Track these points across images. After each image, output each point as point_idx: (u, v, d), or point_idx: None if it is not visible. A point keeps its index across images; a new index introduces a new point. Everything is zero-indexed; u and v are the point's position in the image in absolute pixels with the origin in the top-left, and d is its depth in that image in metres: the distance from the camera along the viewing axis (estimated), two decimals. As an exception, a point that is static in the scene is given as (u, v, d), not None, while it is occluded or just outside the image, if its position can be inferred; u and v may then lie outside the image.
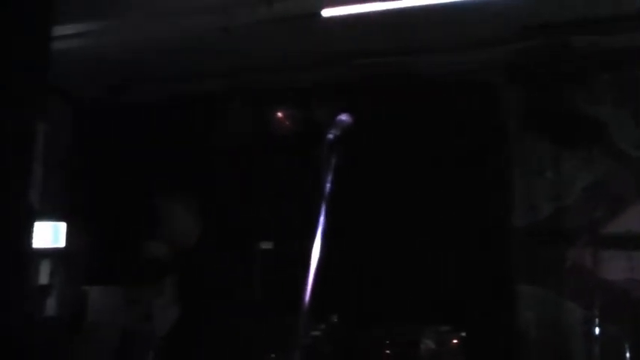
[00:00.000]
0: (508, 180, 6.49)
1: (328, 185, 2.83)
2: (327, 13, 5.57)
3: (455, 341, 5.34)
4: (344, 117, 2.99)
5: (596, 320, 5.65)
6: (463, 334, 5.41)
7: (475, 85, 6.58)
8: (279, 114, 7.07)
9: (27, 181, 3.71)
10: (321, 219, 2.78)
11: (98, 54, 6.47)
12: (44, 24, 3.84)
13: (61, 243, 7.21)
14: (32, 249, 4.31)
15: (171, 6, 5.45)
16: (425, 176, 6.50)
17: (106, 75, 7.44)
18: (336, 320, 5.56)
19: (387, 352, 5.49)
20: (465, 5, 5.37)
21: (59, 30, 4.25)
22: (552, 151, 6.38)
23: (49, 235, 7.04)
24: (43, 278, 7.02)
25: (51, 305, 7.11)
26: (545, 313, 6.20)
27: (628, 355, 5.56)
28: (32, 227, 3.87)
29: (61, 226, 7.23)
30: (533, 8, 5.58)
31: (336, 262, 3.38)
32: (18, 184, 3.63)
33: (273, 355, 5.36)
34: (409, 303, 6.18)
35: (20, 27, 3.63)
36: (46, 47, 3.87)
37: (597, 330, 5.63)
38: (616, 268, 5.93)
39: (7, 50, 3.56)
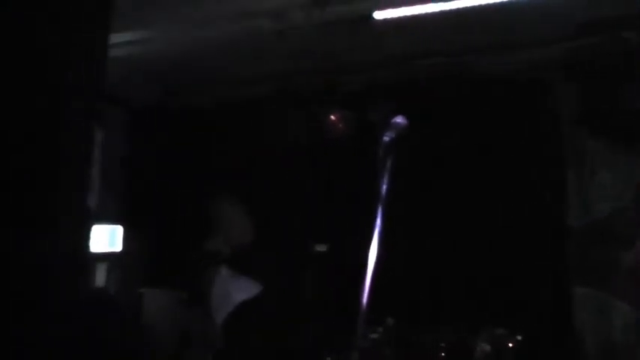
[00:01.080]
0: (563, 180, 6.42)
1: (384, 187, 2.84)
2: (379, 15, 5.57)
3: (511, 345, 5.30)
4: (399, 119, 3.00)
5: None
6: (519, 337, 5.36)
7: (530, 84, 6.53)
8: (333, 117, 7.07)
9: (85, 186, 3.76)
10: (378, 221, 2.79)
11: (152, 59, 6.55)
12: (102, 29, 3.89)
13: (118, 246, 7.31)
14: (90, 252, 4.38)
15: (223, 10, 5.50)
16: (480, 176, 6.47)
17: (160, 80, 7.54)
18: (392, 323, 5.55)
19: (443, 354, 5.47)
20: (520, 3, 5.34)
21: (114, 37, 4.30)
22: (608, 149, 6.30)
23: (105, 238, 7.14)
24: (100, 281, 7.12)
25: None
26: (602, 315, 6.12)
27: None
28: (90, 231, 3.92)
29: (118, 230, 7.32)
30: (588, 4, 5.52)
31: (393, 264, 3.38)
32: (76, 188, 3.68)
33: (328, 358, 5.36)
34: (465, 305, 6.15)
35: (78, 33, 3.69)
36: (103, 53, 3.92)
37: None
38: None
39: (65, 57, 3.61)
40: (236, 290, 5.53)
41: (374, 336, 5.31)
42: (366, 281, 2.66)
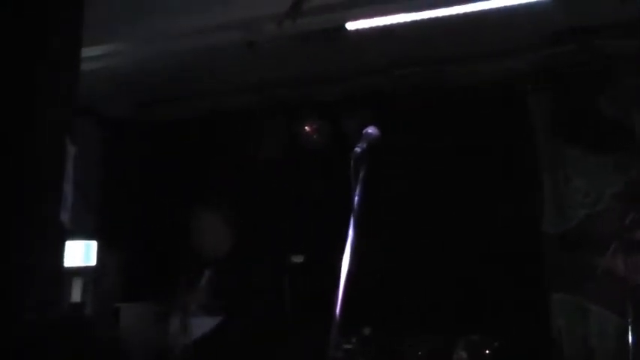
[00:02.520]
0: (538, 186, 6.46)
1: (357, 198, 2.84)
2: (351, 26, 5.57)
3: (487, 351, 5.31)
4: (371, 130, 3.00)
5: (630, 328, 5.59)
6: (496, 343, 5.37)
7: (504, 92, 6.57)
8: (307, 127, 7.08)
9: (58, 201, 3.74)
10: (350, 231, 2.79)
11: (127, 72, 6.53)
12: (74, 43, 3.88)
13: (93, 261, 7.27)
14: (64, 268, 4.36)
15: (196, 22, 5.49)
16: (454, 185, 6.49)
17: (134, 94, 7.52)
18: (368, 333, 5.54)
19: (419, 363, 5.48)
20: (493, 14, 5.36)
21: (86, 51, 4.29)
22: (582, 156, 6.34)
23: (80, 253, 7.10)
24: (76, 296, 7.06)
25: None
26: (578, 320, 6.15)
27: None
28: (64, 246, 3.91)
29: (92, 245, 7.28)
30: (561, 14, 5.56)
31: (367, 273, 3.38)
32: (50, 204, 3.67)
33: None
34: (442, 313, 6.16)
35: (49, 47, 3.68)
36: (76, 67, 3.92)
37: (631, 338, 5.57)
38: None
39: (37, 71, 3.60)
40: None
41: (347, 346, 5.30)
42: (339, 291, 2.66)
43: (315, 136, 7.06)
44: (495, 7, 5.28)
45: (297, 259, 6.41)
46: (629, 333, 5.56)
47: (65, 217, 3.77)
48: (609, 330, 6.00)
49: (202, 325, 5.57)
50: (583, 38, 6.02)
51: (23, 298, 3.40)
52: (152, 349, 5.78)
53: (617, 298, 5.91)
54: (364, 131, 3.00)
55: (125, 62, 6.24)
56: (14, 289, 3.35)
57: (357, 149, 2.89)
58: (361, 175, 2.87)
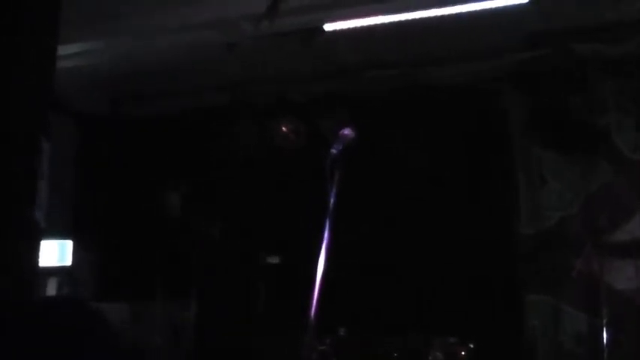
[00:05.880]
0: (514, 188, 6.48)
1: (332, 199, 2.83)
2: (329, 27, 5.58)
3: (463, 352, 5.32)
4: (347, 131, 3.00)
5: (604, 329, 5.63)
6: (471, 345, 5.38)
7: (480, 95, 6.58)
8: (283, 128, 7.05)
9: (33, 200, 3.70)
10: (326, 232, 2.78)
11: (103, 70, 6.50)
12: (50, 40, 3.85)
13: (68, 261, 7.20)
14: (39, 267, 4.32)
15: (174, 21, 5.47)
16: (431, 186, 6.50)
17: (111, 91, 7.48)
18: (343, 333, 5.54)
19: (395, 364, 5.47)
20: (469, 16, 5.38)
21: (63, 49, 4.25)
22: (558, 158, 6.37)
23: (55, 253, 7.03)
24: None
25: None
26: (552, 322, 6.18)
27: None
28: (39, 245, 3.87)
29: (68, 244, 7.22)
30: (537, 17, 5.59)
31: (343, 274, 3.37)
32: (24, 202, 3.63)
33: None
34: (417, 314, 6.16)
35: (25, 43, 3.65)
36: (51, 63, 3.88)
37: (605, 339, 5.60)
38: (623, 276, 5.91)
39: (11, 67, 3.56)
40: None
41: (322, 347, 5.29)
42: (315, 292, 2.66)
43: (291, 136, 7.04)
44: (473, 10, 5.30)
45: (273, 259, 6.40)
46: (604, 334, 5.60)
47: (40, 215, 3.73)
48: (583, 331, 6.04)
49: (179, 325, 5.56)
50: (559, 41, 6.06)
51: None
52: (128, 349, 5.76)
53: (591, 300, 5.95)
54: (340, 132, 2.99)
55: (102, 60, 6.21)
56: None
57: (333, 150, 2.88)
58: (337, 176, 2.87)
